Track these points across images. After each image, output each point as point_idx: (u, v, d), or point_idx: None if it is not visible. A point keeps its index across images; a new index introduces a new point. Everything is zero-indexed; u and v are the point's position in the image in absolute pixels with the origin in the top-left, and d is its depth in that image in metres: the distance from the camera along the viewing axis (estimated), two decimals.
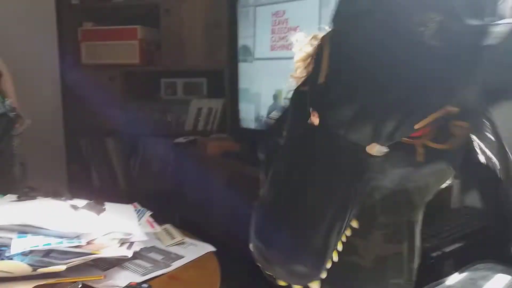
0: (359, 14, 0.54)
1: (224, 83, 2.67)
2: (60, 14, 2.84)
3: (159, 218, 1.55)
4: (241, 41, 2.33)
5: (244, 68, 2.35)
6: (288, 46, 2.10)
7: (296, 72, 0.75)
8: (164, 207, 2.36)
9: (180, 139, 2.66)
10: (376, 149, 0.57)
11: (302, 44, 0.75)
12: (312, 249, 0.57)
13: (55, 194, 1.56)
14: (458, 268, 1.21)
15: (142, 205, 1.59)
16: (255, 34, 2.26)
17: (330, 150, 0.57)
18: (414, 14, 0.50)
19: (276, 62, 2.13)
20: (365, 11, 0.53)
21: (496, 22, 0.54)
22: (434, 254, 1.40)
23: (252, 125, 2.33)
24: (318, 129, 0.56)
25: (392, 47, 0.51)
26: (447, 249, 1.43)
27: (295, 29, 2.03)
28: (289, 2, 2.07)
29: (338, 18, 0.61)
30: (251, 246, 0.64)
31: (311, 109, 0.56)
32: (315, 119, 0.56)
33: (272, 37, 2.14)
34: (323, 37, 0.63)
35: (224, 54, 2.55)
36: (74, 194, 1.60)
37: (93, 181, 2.99)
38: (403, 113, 0.53)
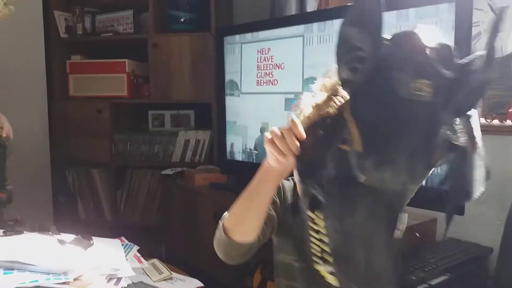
0: (364, 81, 0.66)
1: (212, 116, 2.70)
2: (49, 47, 2.87)
3: (145, 251, 1.54)
4: (228, 76, 2.38)
5: (231, 102, 2.39)
6: (274, 82, 2.17)
7: (304, 109, 0.82)
8: (151, 240, 2.35)
9: (168, 171, 2.66)
10: None
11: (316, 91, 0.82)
12: None
13: (42, 228, 1.54)
14: None
15: (128, 238, 1.58)
16: (241, 69, 2.31)
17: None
18: (410, 81, 0.63)
19: (262, 97, 2.18)
20: (367, 79, 0.65)
21: (465, 61, 0.67)
22: (420, 287, 1.41)
23: (239, 157, 2.36)
24: (364, 185, 0.68)
25: (399, 111, 0.64)
26: (433, 282, 1.44)
27: (280, 66, 2.09)
28: (273, 40, 2.13)
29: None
30: None
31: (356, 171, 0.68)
32: (361, 178, 0.68)
33: (258, 72, 2.19)
34: (343, 103, 0.72)
35: (211, 87, 2.60)
36: (60, 227, 1.58)
37: (79, 213, 2.96)
38: (425, 164, 0.67)
